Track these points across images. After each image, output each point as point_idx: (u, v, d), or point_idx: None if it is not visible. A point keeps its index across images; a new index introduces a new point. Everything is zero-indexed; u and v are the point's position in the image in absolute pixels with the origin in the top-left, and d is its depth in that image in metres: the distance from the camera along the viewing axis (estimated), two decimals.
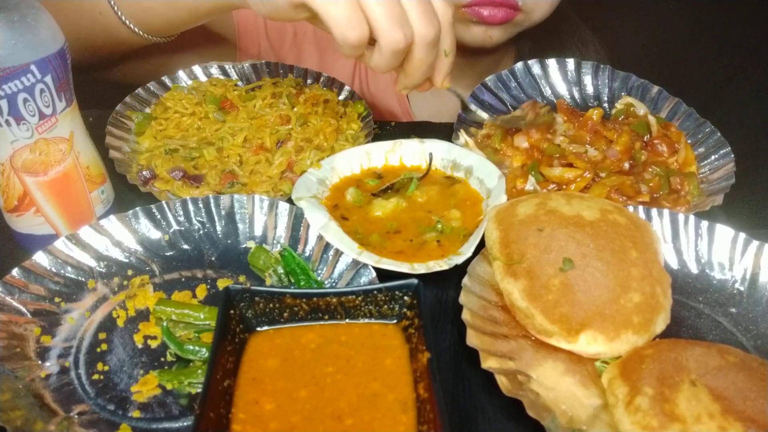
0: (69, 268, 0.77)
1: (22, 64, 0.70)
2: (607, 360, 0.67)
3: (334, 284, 0.78)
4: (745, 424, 0.55)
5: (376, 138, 1.04)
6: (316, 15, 0.75)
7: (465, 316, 0.69)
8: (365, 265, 0.76)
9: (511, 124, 0.99)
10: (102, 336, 0.71)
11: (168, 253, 0.82)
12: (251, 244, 0.83)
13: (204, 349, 0.68)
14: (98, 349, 0.70)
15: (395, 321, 0.67)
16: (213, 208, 0.84)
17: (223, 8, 1.00)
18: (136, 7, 1.00)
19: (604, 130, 0.95)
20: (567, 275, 0.68)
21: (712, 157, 0.97)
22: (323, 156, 0.95)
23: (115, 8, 0.99)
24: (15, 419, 0.59)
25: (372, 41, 0.75)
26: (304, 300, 0.66)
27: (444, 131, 1.08)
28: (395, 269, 0.75)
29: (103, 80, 1.21)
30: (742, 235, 0.81)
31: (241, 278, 0.79)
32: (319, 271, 0.79)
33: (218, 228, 0.84)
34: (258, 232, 0.84)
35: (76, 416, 0.63)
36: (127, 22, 1.00)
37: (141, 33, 1.03)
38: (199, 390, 0.64)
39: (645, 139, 0.97)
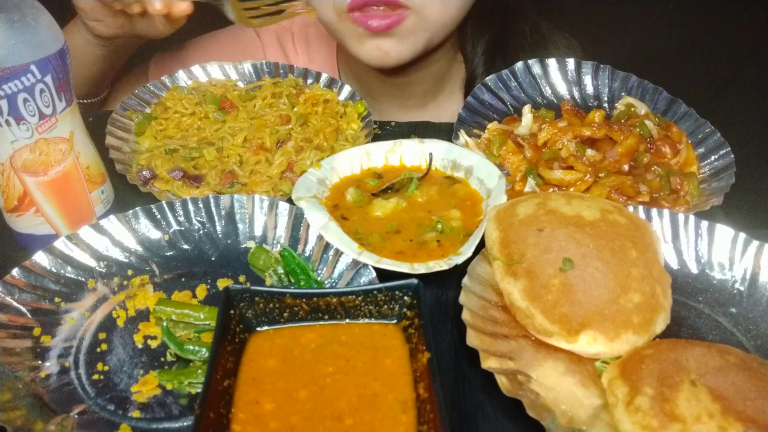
0: (69, 268, 0.77)
1: (22, 64, 0.70)
2: (607, 360, 0.67)
3: (334, 284, 0.78)
4: (745, 424, 0.55)
5: (376, 138, 1.04)
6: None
7: (465, 316, 0.69)
8: (365, 265, 0.76)
9: None
10: (102, 336, 0.71)
11: (168, 253, 0.82)
12: (251, 244, 0.83)
13: (204, 349, 0.68)
14: (98, 349, 0.70)
15: (395, 321, 0.67)
16: (213, 208, 0.84)
17: (94, 58, 1.11)
18: None
19: (610, 131, 0.95)
20: (567, 275, 0.68)
21: (712, 157, 0.97)
22: (323, 156, 0.95)
23: None
24: (15, 419, 0.59)
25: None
26: (304, 300, 0.66)
27: (444, 131, 1.08)
28: (395, 269, 0.75)
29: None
30: (742, 235, 0.81)
31: (241, 278, 0.79)
32: (319, 271, 0.79)
33: (218, 228, 0.84)
34: (258, 232, 0.84)
35: (76, 416, 0.63)
36: None
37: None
38: (199, 390, 0.64)
39: (648, 140, 0.97)
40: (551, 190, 0.91)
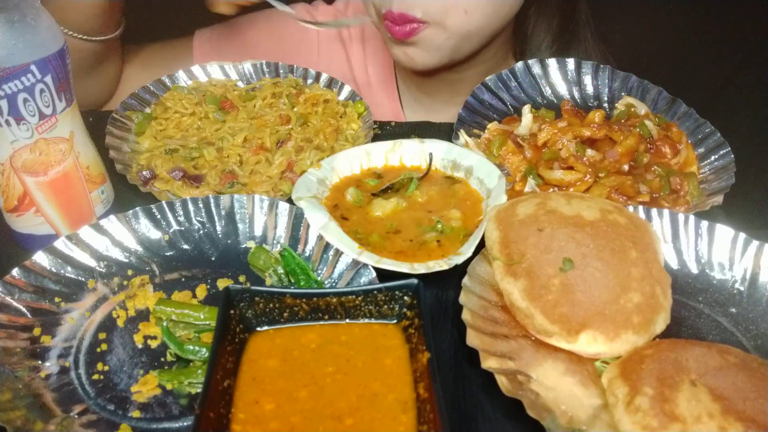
0: (69, 268, 0.77)
1: (22, 64, 0.70)
2: (607, 360, 0.67)
3: (334, 284, 0.78)
4: (745, 424, 0.55)
5: (376, 138, 1.04)
6: None
7: (465, 316, 0.69)
8: (365, 265, 0.76)
9: None
10: (102, 336, 0.71)
11: (168, 253, 0.82)
12: (251, 244, 0.83)
13: (204, 349, 0.68)
14: (98, 349, 0.70)
15: (395, 321, 0.67)
16: (213, 208, 0.84)
17: None
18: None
19: (610, 131, 0.95)
20: (567, 275, 0.68)
21: (712, 157, 0.97)
22: (323, 156, 0.95)
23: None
24: (15, 419, 0.59)
25: None
26: (304, 300, 0.66)
27: (444, 131, 1.08)
28: (395, 269, 0.75)
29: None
30: (742, 235, 0.81)
31: (241, 278, 0.79)
32: (319, 271, 0.79)
33: (218, 228, 0.84)
34: (258, 232, 0.84)
35: (76, 416, 0.63)
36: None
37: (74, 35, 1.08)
38: (199, 390, 0.64)
39: (648, 140, 0.97)
40: (551, 190, 0.91)
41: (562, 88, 1.14)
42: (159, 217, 0.83)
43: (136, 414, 0.63)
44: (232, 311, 0.65)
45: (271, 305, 0.66)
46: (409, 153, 0.96)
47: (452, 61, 1.12)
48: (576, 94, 1.14)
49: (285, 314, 0.67)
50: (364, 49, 1.35)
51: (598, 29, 1.30)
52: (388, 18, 1.04)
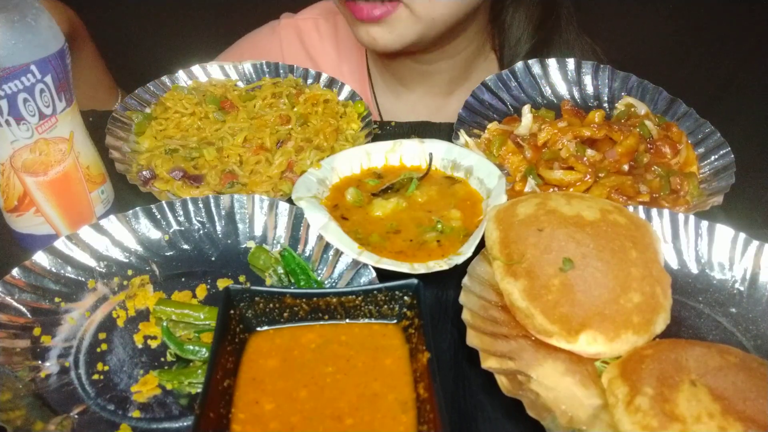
0: (69, 268, 0.77)
1: (22, 64, 0.70)
2: (607, 360, 0.67)
3: (334, 284, 0.78)
4: (745, 424, 0.55)
5: (376, 138, 1.04)
6: None
7: (465, 316, 0.69)
8: (365, 265, 0.76)
9: None
10: (102, 336, 0.71)
11: (168, 253, 0.82)
12: (251, 244, 0.83)
13: (204, 349, 0.68)
14: (98, 349, 0.70)
15: (395, 321, 0.67)
16: (213, 208, 0.84)
17: None
18: None
19: (610, 131, 0.95)
20: (567, 275, 0.68)
21: (712, 157, 0.97)
22: (323, 156, 0.95)
23: None
24: (15, 419, 0.59)
25: None
26: (304, 300, 0.66)
27: (444, 131, 1.08)
28: (395, 269, 0.75)
29: None
30: (742, 235, 0.81)
31: (241, 278, 0.79)
32: (319, 271, 0.79)
33: (218, 228, 0.84)
34: (258, 232, 0.84)
35: (76, 416, 0.63)
36: None
37: None
38: (199, 390, 0.64)
39: (648, 140, 0.97)
40: (551, 190, 0.91)
41: (562, 88, 1.14)
42: (159, 217, 0.83)
43: (136, 414, 0.63)
44: (232, 311, 0.65)
45: (271, 305, 0.66)
46: (409, 153, 0.96)
47: (416, 47, 1.12)
48: (576, 94, 1.14)
49: (285, 314, 0.67)
50: (337, 41, 1.35)
51: (582, 23, 1.29)
52: None
